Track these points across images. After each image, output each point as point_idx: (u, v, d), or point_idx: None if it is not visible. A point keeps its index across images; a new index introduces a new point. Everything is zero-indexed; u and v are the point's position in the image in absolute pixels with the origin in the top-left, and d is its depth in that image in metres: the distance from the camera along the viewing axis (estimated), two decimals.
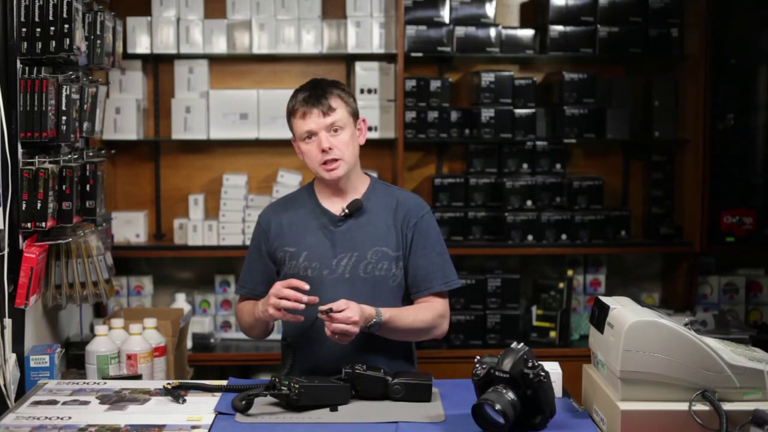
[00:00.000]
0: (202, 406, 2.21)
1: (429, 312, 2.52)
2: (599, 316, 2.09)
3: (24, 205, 2.71)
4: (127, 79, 4.23)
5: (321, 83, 2.55)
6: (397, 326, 2.44)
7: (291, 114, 2.55)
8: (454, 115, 4.24)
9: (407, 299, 2.58)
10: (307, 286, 2.34)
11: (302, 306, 2.33)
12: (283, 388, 2.17)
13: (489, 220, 4.26)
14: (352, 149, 2.52)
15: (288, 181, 4.20)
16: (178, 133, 4.26)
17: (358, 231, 2.53)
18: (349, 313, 2.29)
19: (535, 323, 4.25)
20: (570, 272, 4.29)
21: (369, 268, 2.51)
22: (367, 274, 2.51)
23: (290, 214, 2.59)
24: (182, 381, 2.39)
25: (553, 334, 4.21)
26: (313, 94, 2.50)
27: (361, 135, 2.57)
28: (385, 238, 2.53)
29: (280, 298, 2.33)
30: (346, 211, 2.53)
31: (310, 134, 2.49)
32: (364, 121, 2.59)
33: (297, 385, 2.16)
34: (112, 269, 3.30)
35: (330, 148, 2.46)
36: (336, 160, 2.48)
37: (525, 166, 4.29)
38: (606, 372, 2.06)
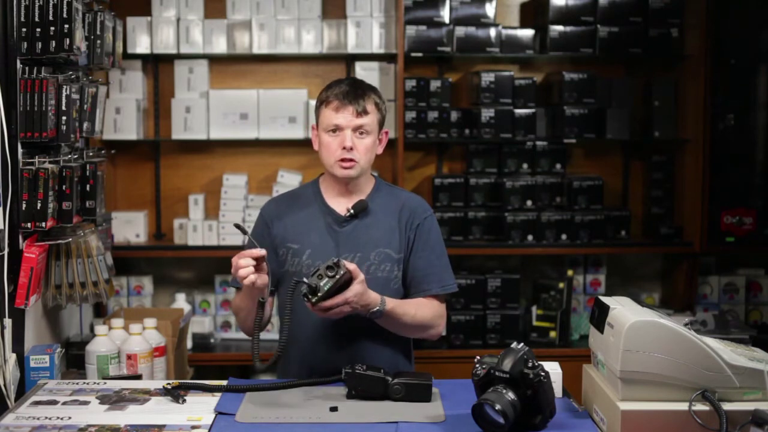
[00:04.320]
0: (202, 406, 2.21)
1: (428, 309, 2.53)
2: (599, 316, 2.09)
3: (24, 205, 2.71)
4: (127, 79, 4.23)
5: (361, 84, 2.56)
6: (398, 317, 2.43)
7: (323, 102, 2.53)
8: (454, 115, 4.24)
9: None
10: (263, 252, 2.31)
11: (252, 273, 2.29)
12: (320, 284, 2.20)
13: (489, 220, 4.26)
14: (370, 156, 2.53)
15: (288, 181, 4.20)
16: (178, 133, 4.26)
17: (362, 232, 2.53)
18: (345, 297, 2.27)
19: (535, 323, 4.25)
20: (570, 272, 4.30)
21: (372, 269, 2.51)
22: (370, 275, 2.50)
23: (295, 211, 2.59)
24: (182, 381, 2.39)
25: (553, 334, 4.21)
26: (352, 91, 2.50)
27: (381, 145, 2.58)
28: (389, 239, 2.54)
29: (239, 271, 2.30)
30: (352, 211, 2.53)
31: (337, 128, 2.49)
32: (386, 133, 2.60)
33: (314, 298, 2.21)
34: (112, 269, 3.30)
35: (351, 148, 2.47)
36: (353, 160, 2.49)
37: (525, 166, 4.29)
38: (606, 372, 2.06)
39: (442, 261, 2.58)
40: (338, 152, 2.48)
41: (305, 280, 2.24)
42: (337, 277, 2.23)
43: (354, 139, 2.48)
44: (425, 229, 2.57)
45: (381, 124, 2.56)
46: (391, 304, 2.42)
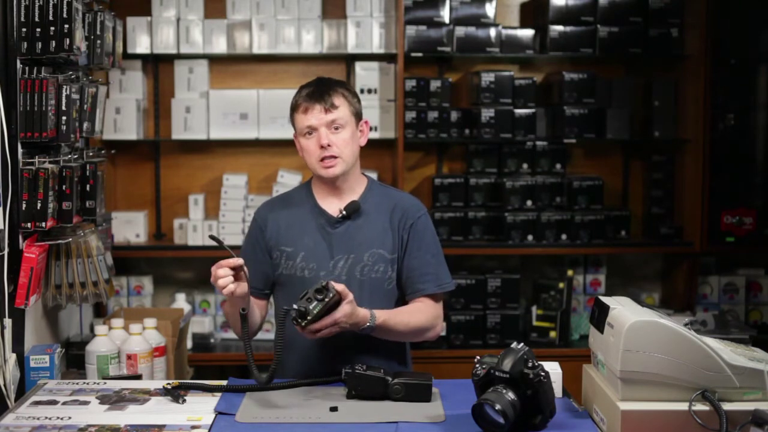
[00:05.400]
0: (202, 406, 2.21)
1: (423, 314, 2.51)
2: (599, 316, 2.09)
3: (24, 205, 2.71)
4: (127, 79, 4.23)
5: (326, 81, 2.57)
6: (391, 328, 2.43)
7: (293, 109, 2.55)
8: (454, 115, 4.24)
9: (402, 302, 2.57)
10: (240, 262, 2.30)
11: (231, 283, 2.28)
12: (310, 307, 2.20)
13: (489, 220, 4.26)
14: (351, 149, 2.52)
15: (288, 181, 4.20)
16: (178, 133, 4.26)
17: (355, 233, 2.53)
18: (335, 317, 2.26)
19: (535, 323, 4.25)
20: (570, 272, 4.29)
21: (365, 270, 2.51)
22: (364, 276, 2.50)
23: (287, 214, 2.58)
24: (182, 381, 2.39)
25: (553, 334, 4.21)
26: (317, 90, 2.51)
27: (363, 136, 2.58)
28: (382, 240, 2.53)
29: (218, 281, 2.30)
30: (344, 212, 2.53)
31: (311, 130, 2.50)
32: (366, 122, 2.60)
33: (304, 321, 2.21)
34: (112, 269, 3.30)
35: (329, 145, 2.47)
36: (334, 157, 2.48)
37: (525, 166, 4.29)
38: (606, 372, 2.06)
39: (438, 260, 2.57)
40: (318, 152, 2.48)
41: (294, 306, 2.23)
42: (326, 300, 2.22)
43: (330, 135, 2.48)
44: (419, 228, 2.55)
45: (357, 115, 2.55)
46: (382, 317, 2.40)
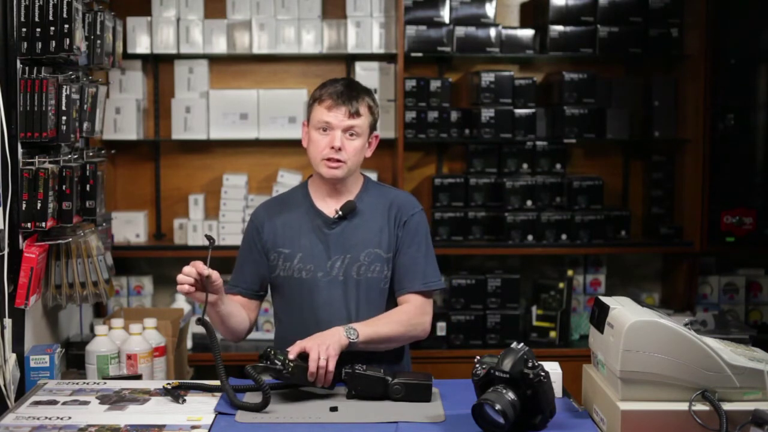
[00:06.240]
0: (202, 406, 2.21)
1: (405, 314, 2.50)
2: (599, 316, 2.09)
3: (24, 205, 2.71)
4: (127, 79, 4.23)
5: (357, 85, 2.57)
6: (377, 334, 2.41)
7: (316, 100, 2.53)
8: (454, 115, 4.24)
9: (394, 300, 2.57)
10: (208, 273, 2.28)
11: (190, 286, 2.27)
12: (277, 361, 2.19)
13: (489, 220, 4.26)
14: (358, 158, 2.53)
15: (288, 181, 4.20)
16: (178, 133, 4.26)
17: (351, 233, 2.53)
18: (312, 349, 2.26)
19: (535, 323, 4.25)
20: (570, 272, 4.29)
21: (362, 270, 2.51)
22: (360, 276, 2.51)
23: (284, 216, 2.59)
24: (182, 381, 2.39)
25: (553, 334, 4.21)
26: (347, 92, 2.50)
27: (370, 149, 2.58)
28: (378, 239, 2.53)
29: (178, 276, 2.29)
30: (340, 213, 2.53)
31: (327, 127, 2.49)
32: (376, 136, 2.60)
33: (292, 363, 2.20)
34: (112, 269, 3.30)
35: (340, 149, 2.47)
36: (340, 161, 2.48)
37: (525, 166, 4.29)
38: (606, 372, 2.06)
39: (428, 259, 2.56)
40: (326, 151, 2.48)
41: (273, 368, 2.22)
42: (271, 351, 2.22)
43: (343, 140, 2.48)
44: (412, 225, 2.56)
45: (372, 127, 2.56)
46: (362, 335, 2.37)
